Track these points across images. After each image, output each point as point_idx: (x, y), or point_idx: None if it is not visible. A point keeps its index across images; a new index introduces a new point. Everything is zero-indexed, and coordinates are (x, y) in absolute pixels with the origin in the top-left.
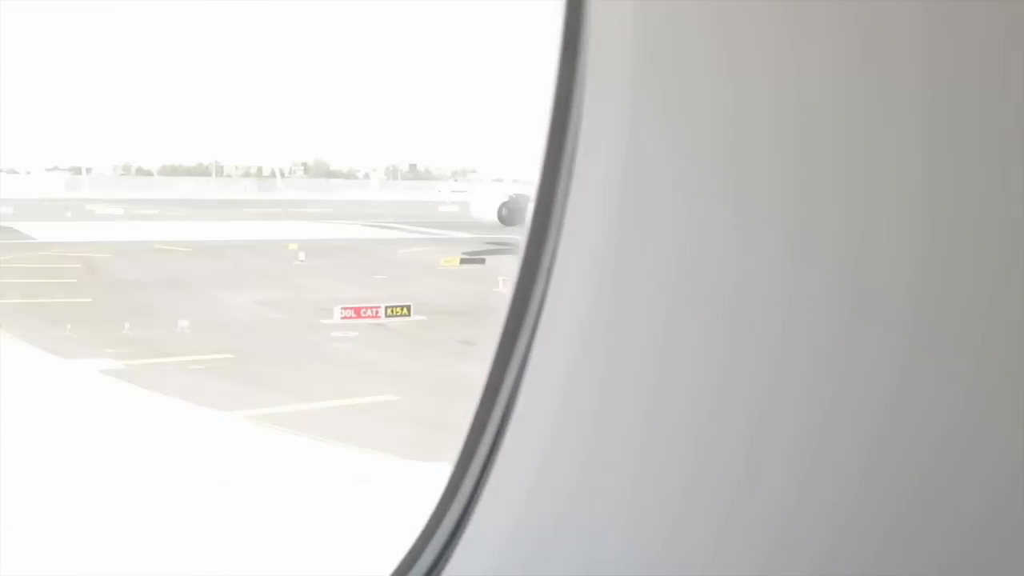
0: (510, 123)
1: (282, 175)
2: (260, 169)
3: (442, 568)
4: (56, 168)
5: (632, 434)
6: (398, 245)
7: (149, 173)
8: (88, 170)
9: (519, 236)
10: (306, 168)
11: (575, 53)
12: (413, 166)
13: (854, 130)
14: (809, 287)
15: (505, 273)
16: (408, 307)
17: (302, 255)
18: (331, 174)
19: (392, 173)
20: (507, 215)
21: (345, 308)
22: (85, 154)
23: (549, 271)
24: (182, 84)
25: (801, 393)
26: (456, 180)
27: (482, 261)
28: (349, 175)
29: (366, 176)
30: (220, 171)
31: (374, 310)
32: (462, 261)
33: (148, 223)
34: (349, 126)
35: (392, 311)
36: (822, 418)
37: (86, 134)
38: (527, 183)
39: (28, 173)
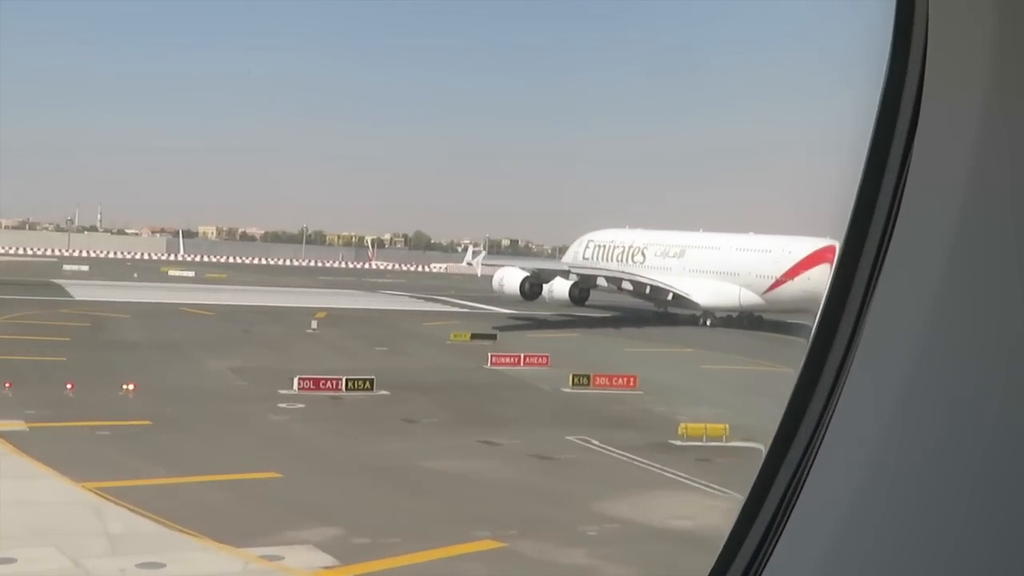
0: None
1: (375, 246)
2: (362, 239)
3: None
4: (163, 230)
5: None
6: (430, 318)
7: (253, 238)
8: (193, 234)
9: (546, 312)
10: (406, 240)
11: (906, 52)
12: (514, 241)
13: None
14: None
15: (508, 351)
16: (371, 380)
17: (315, 324)
18: (430, 247)
19: (492, 247)
20: (529, 290)
21: (303, 379)
22: (194, 218)
23: (874, 275)
24: (292, 155)
25: None
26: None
27: (493, 337)
28: (448, 248)
29: (464, 250)
30: (322, 239)
31: (334, 382)
32: (473, 336)
33: (204, 286)
34: (454, 202)
35: (354, 384)
36: None
37: (197, 199)
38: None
39: (137, 234)
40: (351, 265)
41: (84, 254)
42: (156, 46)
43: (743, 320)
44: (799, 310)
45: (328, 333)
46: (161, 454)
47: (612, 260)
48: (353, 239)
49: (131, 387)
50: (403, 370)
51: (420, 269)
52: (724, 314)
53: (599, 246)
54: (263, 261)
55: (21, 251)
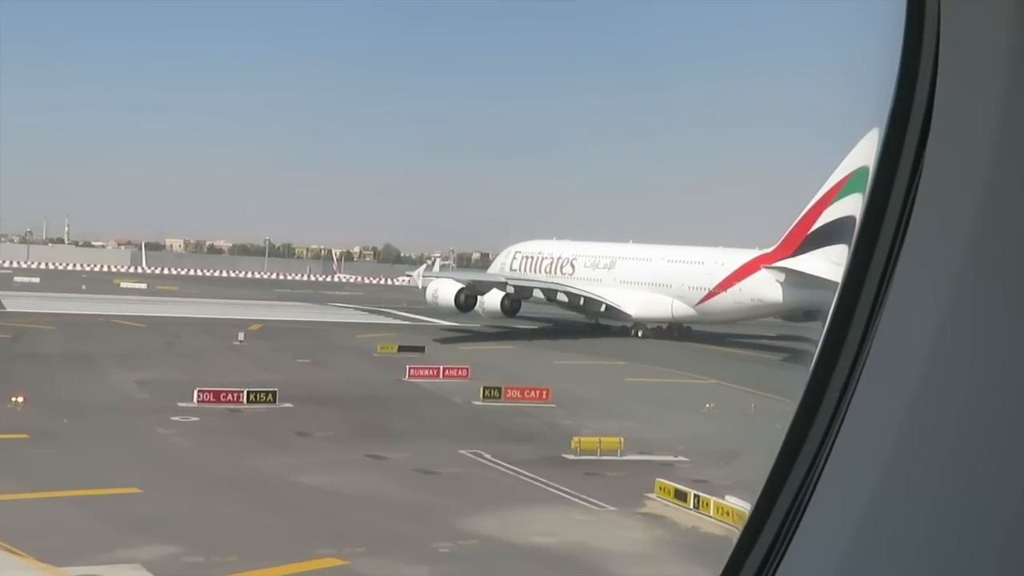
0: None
1: (344, 259)
2: (331, 252)
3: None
4: (129, 243)
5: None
6: (367, 330)
7: (221, 251)
8: (160, 246)
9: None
10: (376, 253)
11: (918, 50)
12: (485, 255)
13: None
14: None
15: (438, 363)
16: (274, 393)
17: (242, 335)
18: (400, 260)
19: (461, 261)
20: (464, 302)
21: (203, 391)
22: (168, 230)
23: (885, 278)
24: (265, 169)
25: None
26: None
27: (421, 349)
28: (418, 262)
29: (433, 263)
30: (291, 252)
31: (236, 395)
32: (400, 349)
33: (150, 299)
34: (425, 216)
35: (256, 397)
36: None
37: (170, 212)
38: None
39: (104, 246)
40: (316, 278)
41: (44, 266)
42: (132, 58)
43: (672, 331)
44: (732, 321)
45: (255, 345)
46: (25, 469)
47: (540, 271)
48: (323, 252)
49: (20, 399)
50: (317, 383)
51: (384, 282)
52: (654, 325)
53: (526, 257)
54: (226, 274)
55: None
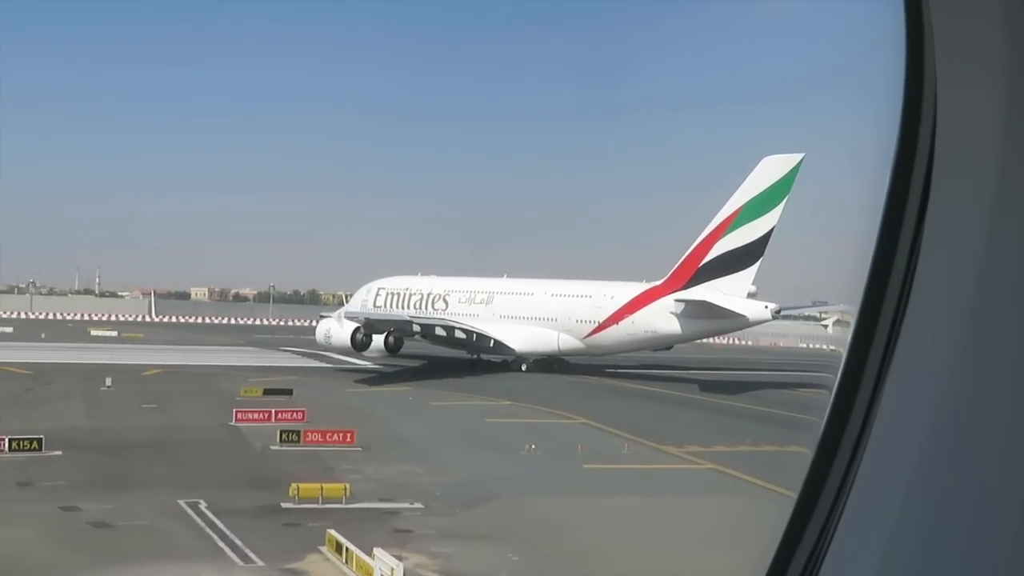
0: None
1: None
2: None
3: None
4: (153, 292)
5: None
6: (269, 373)
7: (245, 299)
8: (185, 295)
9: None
10: None
11: (921, 52)
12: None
13: None
14: None
15: (297, 406)
16: (39, 440)
17: (109, 381)
18: None
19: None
20: (361, 341)
21: None
22: (200, 280)
23: (909, 273)
24: (300, 218)
25: None
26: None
27: (288, 392)
28: None
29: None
30: (316, 298)
31: None
32: (266, 392)
33: (96, 346)
34: (455, 255)
35: (18, 444)
36: None
37: (200, 263)
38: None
39: (125, 296)
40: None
41: (50, 316)
42: (163, 108)
43: (552, 364)
44: (623, 352)
45: (119, 391)
46: None
47: (409, 307)
48: (345, 297)
49: None
50: (128, 428)
51: None
52: (535, 358)
53: (392, 293)
54: (235, 321)
55: None
